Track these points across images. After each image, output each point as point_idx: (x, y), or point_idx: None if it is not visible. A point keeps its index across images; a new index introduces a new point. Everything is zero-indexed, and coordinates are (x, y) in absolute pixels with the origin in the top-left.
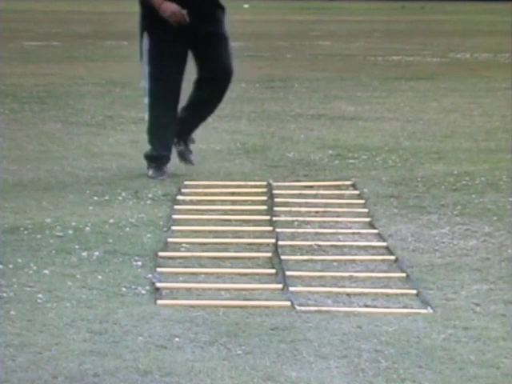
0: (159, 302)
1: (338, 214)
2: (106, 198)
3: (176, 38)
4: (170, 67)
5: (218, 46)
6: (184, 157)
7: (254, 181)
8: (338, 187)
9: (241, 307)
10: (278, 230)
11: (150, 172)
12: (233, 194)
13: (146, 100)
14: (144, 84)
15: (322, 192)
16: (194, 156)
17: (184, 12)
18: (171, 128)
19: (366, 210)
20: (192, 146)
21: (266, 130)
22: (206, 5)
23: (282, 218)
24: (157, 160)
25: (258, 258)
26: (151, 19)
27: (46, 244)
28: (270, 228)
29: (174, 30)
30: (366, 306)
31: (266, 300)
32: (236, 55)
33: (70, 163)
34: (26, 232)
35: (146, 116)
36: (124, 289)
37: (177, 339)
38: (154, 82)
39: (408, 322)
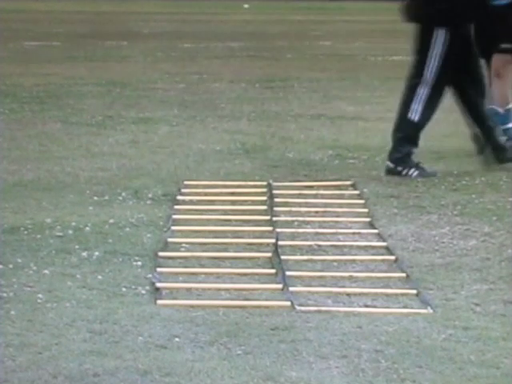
0: (159, 302)
1: (338, 214)
2: (106, 198)
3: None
4: (455, 67)
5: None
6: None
7: (254, 181)
8: (337, 187)
9: (241, 307)
10: (278, 230)
11: (415, 173)
12: (233, 194)
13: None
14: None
15: (322, 192)
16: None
17: None
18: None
19: (366, 210)
20: (192, 146)
21: (266, 130)
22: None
23: (282, 218)
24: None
25: (258, 258)
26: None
27: (46, 244)
28: (270, 228)
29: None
30: (366, 306)
31: (266, 300)
32: (236, 55)
33: (70, 163)
34: (25, 232)
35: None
36: (124, 289)
37: (177, 339)
38: (437, 81)
39: (408, 322)
